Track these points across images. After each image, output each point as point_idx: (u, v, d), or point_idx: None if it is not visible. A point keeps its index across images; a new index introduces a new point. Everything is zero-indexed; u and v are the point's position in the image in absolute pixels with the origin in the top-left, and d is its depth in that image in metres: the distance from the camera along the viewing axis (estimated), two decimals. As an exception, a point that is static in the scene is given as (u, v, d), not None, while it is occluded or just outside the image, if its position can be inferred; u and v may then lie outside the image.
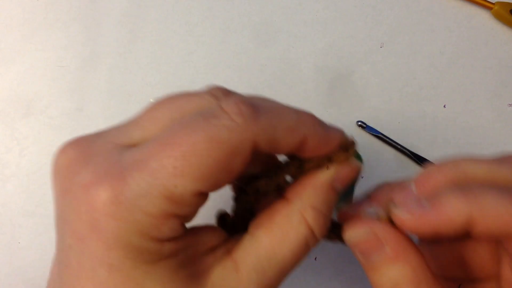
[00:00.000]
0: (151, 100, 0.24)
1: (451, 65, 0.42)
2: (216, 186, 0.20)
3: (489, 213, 0.19)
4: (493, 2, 0.42)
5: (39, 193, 0.39)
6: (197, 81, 0.42)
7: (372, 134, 0.39)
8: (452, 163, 0.22)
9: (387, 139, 0.39)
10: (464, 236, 0.20)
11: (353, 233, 0.22)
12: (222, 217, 0.25)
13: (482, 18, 0.43)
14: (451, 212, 0.20)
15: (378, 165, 0.39)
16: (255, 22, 0.43)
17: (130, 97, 0.42)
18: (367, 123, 0.40)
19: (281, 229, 0.22)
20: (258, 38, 0.43)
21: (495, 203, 0.19)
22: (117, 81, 0.42)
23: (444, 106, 0.41)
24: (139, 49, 0.43)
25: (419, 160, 0.39)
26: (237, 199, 0.25)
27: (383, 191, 0.24)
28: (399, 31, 0.43)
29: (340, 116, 0.40)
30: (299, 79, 0.42)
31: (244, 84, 0.42)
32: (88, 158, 0.20)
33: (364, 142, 0.40)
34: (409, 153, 0.39)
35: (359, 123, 0.40)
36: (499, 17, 0.42)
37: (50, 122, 0.41)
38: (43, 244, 0.38)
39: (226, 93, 0.23)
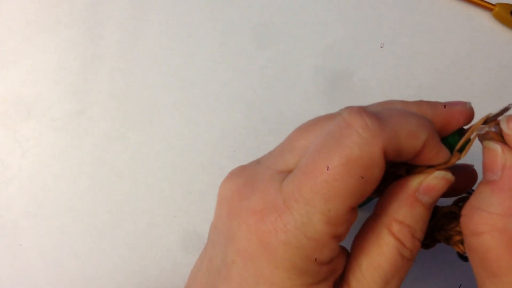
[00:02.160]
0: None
1: (451, 66, 0.42)
2: (364, 197, 0.21)
3: None
4: (494, 3, 0.42)
5: (41, 195, 0.39)
6: (198, 83, 0.42)
7: (373, 136, 0.40)
8: None
9: (388, 141, 0.39)
10: None
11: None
12: None
13: (483, 19, 0.43)
14: None
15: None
16: (255, 23, 0.43)
17: (132, 99, 0.42)
18: (368, 125, 0.40)
19: (374, 246, 0.23)
20: (258, 39, 0.43)
21: None
22: (119, 83, 0.42)
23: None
24: (140, 51, 0.43)
25: (419, 161, 0.39)
26: None
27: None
28: (400, 32, 0.43)
29: (341, 118, 0.41)
30: (299, 81, 0.42)
31: (244, 86, 0.42)
32: (254, 185, 0.23)
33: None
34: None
35: (360, 124, 0.40)
36: (499, 18, 0.42)
37: (52, 124, 0.41)
38: (44, 246, 0.38)
39: (376, 118, 0.23)
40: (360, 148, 0.20)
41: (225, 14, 0.44)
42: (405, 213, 0.23)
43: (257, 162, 0.25)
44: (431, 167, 0.23)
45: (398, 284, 0.23)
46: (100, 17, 0.44)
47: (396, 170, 0.25)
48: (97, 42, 0.43)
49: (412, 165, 0.24)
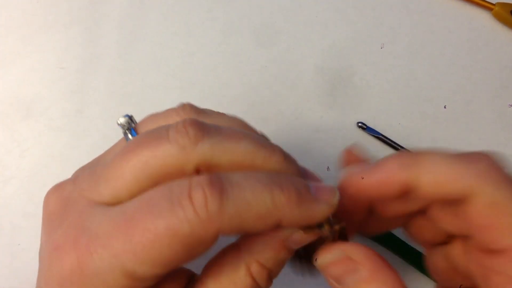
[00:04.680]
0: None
1: (451, 66, 0.42)
2: (177, 267, 0.20)
3: (431, 171, 0.20)
4: (494, 3, 0.42)
5: (39, 194, 0.39)
6: (197, 83, 0.42)
7: (373, 135, 0.39)
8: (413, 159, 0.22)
9: (388, 140, 0.39)
10: (407, 195, 0.21)
11: (324, 257, 0.22)
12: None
13: (483, 19, 0.43)
14: (391, 169, 0.21)
15: (379, 166, 0.39)
16: (255, 23, 0.43)
17: (130, 99, 0.42)
18: (368, 124, 0.40)
19: (228, 281, 0.21)
20: (258, 39, 0.43)
21: (435, 161, 0.20)
22: (117, 83, 0.42)
23: (445, 107, 0.41)
24: (139, 51, 0.43)
25: (419, 161, 0.39)
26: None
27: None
28: (400, 32, 0.43)
29: (341, 117, 0.40)
30: (300, 80, 0.42)
31: (244, 86, 0.42)
32: (65, 215, 0.21)
33: (364, 143, 0.40)
34: (409, 154, 0.39)
35: (360, 124, 0.40)
36: (499, 18, 0.42)
37: (50, 124, 0.41)
38: (43, 246, 0.38)
39: (196, 138, 0.20)
40: (191, 227, 0.18)
41: (225, 13, 0.44)
42: (268, 257, 0.21)
43: (74, 181, 0.22)
44: None
45: None
46: (98, 16, 0.44)
47: None
48: (95, 41, 0.43)
49: None
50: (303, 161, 0.29)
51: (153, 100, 0.41)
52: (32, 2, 0.44)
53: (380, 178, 0.21)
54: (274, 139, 0.26)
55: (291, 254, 0.22)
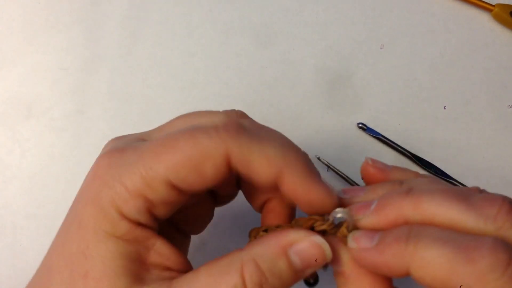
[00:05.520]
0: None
1: (451, 66, 0.42)
2: (187, 184, 0.22)
3: (425, 265, 0.19)
4: (493, 4, 0.42)
5: (40, 195, 0.39)
6: (198, 83, 0.42)
7: (373, 136, 0.40)
8: (415, 197, 0.21)
9: (388, 141, 0.39)
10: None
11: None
12: None
13: (482, 20, 0.43)
14: (391, 259, 0.20)
15: (379, 166, 0.39)
16: (256, 24, 0.43)
17: (131, 99, 0.42)
18: (368, 125, 0.40)
19: (219, 272, 0.21)
20: (259, 40, 0.43)
21: (432, 256, 0.19)
22: (118, 83, 0.42)
23: (444, 108, 0.41)
24: (140, 51, 0.43)
25: (419, 161, 0.39)
26: None
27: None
28: (399, 33, 0.43)
29: (341, 118, 0.41)
30: (299, 81, 0.42)
31: (244, 86, 0.42)
32: (117, 142, 0.25)
33: (364, 144, 0.40)
34: (409, 154, 0.39)
35: (360, 125, 0.40)
36: (499, 19, 0.42)
37: (51, 124, 0.41)
38: (44, 246, 0.38)
39: (242, 115, 0.24)
40: (207, 138, 0.21)
41: (225, 14, 0.44)
42: (265, 257, 0.21)
43: (132, 134, 0.26)
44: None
45: None
46: (100, 17, 0.44)
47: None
48: (97, 42, 0.43)
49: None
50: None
51: (154, 100, 0.42)
52: (33, 2, 0.44)
53: (382, 263, 0.21)
54: (274, 140, 0.26)
55: (293, 277, 0.22)
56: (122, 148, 0.23)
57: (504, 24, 0.42)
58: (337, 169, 0.38)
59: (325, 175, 0.38)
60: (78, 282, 0.21)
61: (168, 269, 0.23)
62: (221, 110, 0.29)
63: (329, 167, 0.38)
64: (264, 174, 0.21)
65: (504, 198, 0.20)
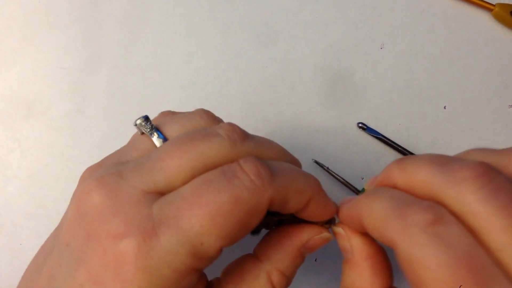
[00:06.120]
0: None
1: (451, 66, 0.42)
2: (235, 241, 0.21)
3: (367, 215, 0.22)
4: (494, 4, 0.42)
5: (40, 194, 0.39)
6: (198, 82, 0.42)
7: (373, 136, 0.40)
8: (403, 162, 0.23)
9: (388, 141, 0.39)
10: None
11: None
12: None
13: (483, 19, 0.43)
14: (353, 212, 0.24)
15: (379, 166, 0.39)
16: (256, 23, 0.43)
17: (131, 98, 0.42)
18: (368, 125, 0.40)
19: (249, 287, 0.24)
20: (259, 39, 0.43)
21: (374, 207, 0.22)
22: (118, 82, 0.42)
23: (445, 107, 0.41)
24: (140, 50, 0.43)
25: (419, 161, 0.39)
26: None
27: None
28: (400, 32, 0.43)
29: (341, 118, 0.41)
30: (300, 80, 0.42)
31: (244, 85, 0.42)
32: (117, 206, 0.21)
33: (364, 144, 0.40)
34: (409, 154, 0.39)
35: (360, 124, 0.40)
36: (499, 18, 0.42)
37: (51, 123, 0.41)
38: (44, 245, 0.38)
39: (243, 136, 0.24)
40: (250, 193, 0.20)
41: (225, 13, 0.44)
42: (287, 265, 0.24)
43: (119, 175, 0.22)
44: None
45: None
46: (99, 16, 0.44)
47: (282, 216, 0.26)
48: (97, 41, 0.43)
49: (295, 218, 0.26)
50: (303, 161, 0.29)
51: (154, 99, 0.42)
52: (33, 1, 0.44)
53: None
54: (274, 139, 0.26)
55: (303, 261, 0.25)
56: (150, 227, 0.20)
57: (505, 23, 0.42)
58: (334, 172, 0.38)
59: (322, 178, 0.38)
60: None
61: None
62: (221, 109, 0.29)
63: (326, 170, 0.38)
64: (299, 206, 0.23)
65: (478, 164, 0.19)
